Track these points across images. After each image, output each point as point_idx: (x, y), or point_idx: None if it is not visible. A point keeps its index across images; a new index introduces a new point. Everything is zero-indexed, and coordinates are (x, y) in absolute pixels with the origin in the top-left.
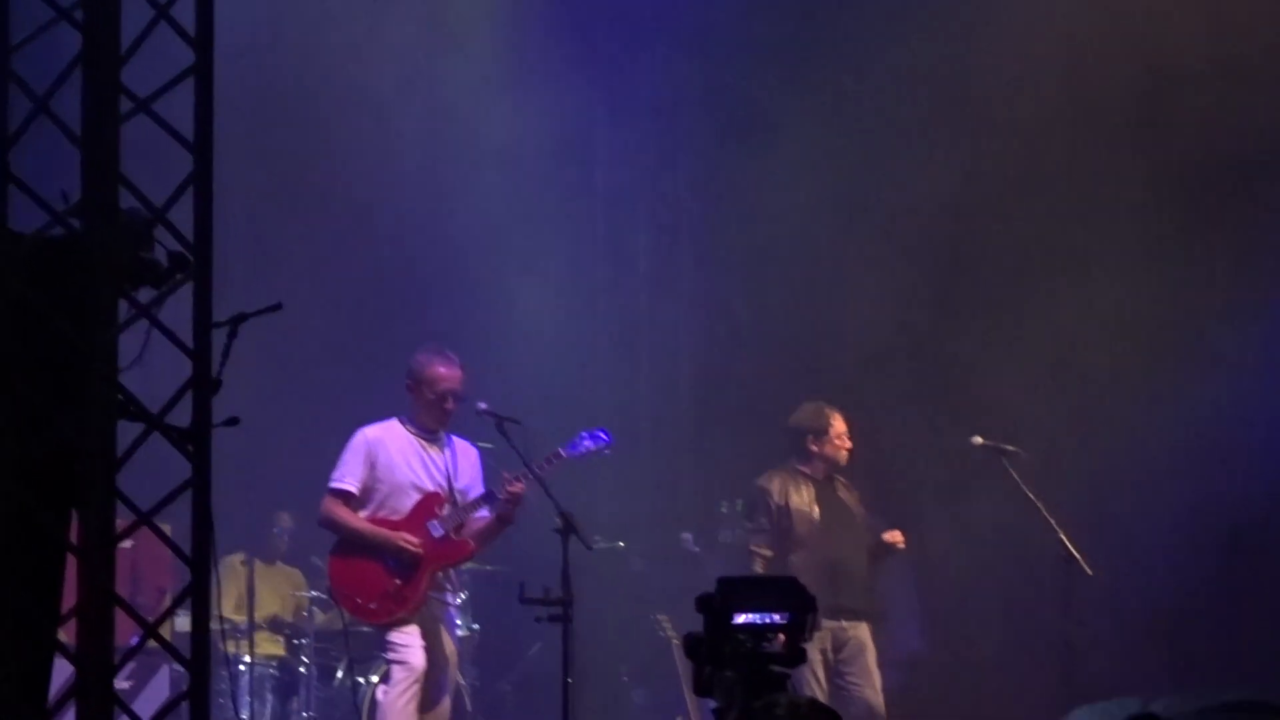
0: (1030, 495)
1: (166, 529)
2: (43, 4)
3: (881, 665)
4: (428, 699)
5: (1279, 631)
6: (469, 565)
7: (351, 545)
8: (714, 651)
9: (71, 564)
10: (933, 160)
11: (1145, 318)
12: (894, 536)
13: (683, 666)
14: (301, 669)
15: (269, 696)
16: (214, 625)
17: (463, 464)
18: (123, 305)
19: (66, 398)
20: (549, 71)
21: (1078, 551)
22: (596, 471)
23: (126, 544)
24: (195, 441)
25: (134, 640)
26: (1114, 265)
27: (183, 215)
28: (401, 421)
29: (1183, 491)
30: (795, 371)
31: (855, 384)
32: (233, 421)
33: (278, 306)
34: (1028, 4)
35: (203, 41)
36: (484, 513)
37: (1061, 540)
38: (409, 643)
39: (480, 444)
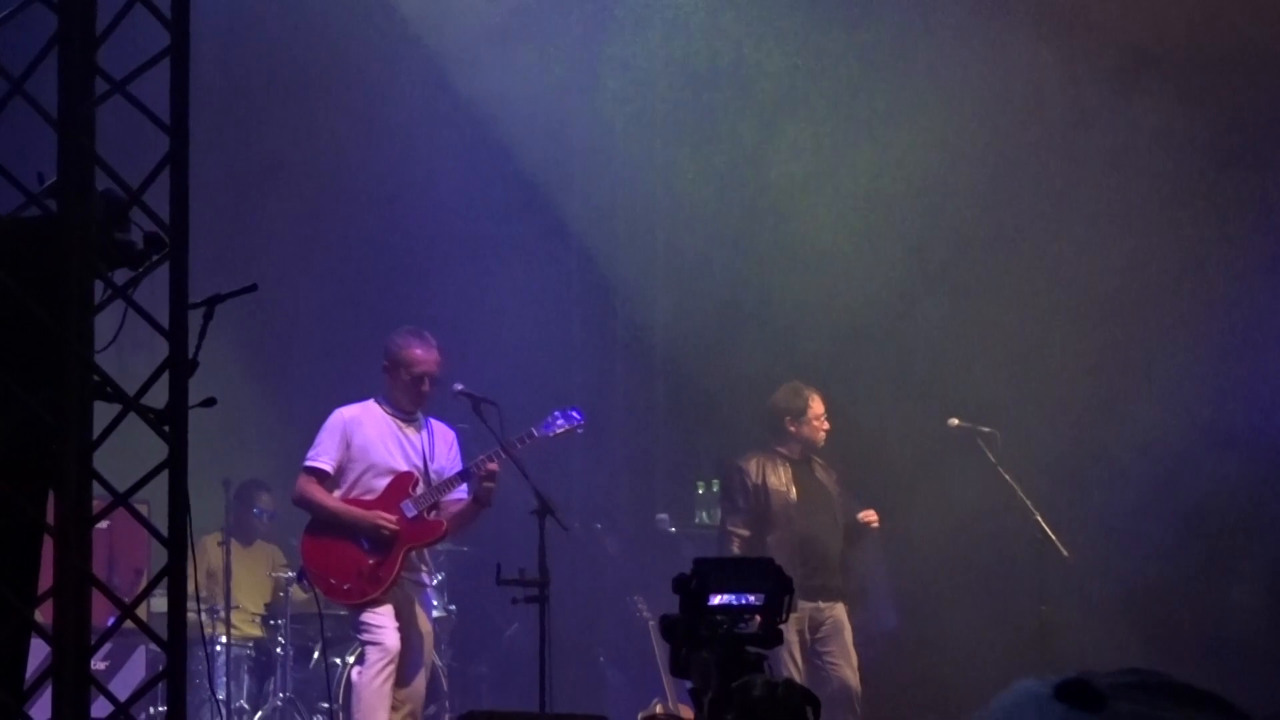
0: (1006, 476)
1: (143, 509)
2: None
3: (858, 644)
4: (403, 679)
5: (1251, 613)
6: (445, 547)
7: (325, 525)
8: (690, 633)
9: (48, 544)
10: (909, 142)
11: (1120, 299)
12: (868, 516)
13: (659, 648)
14: (278, 650)
15: (245, 677)
16: (190, 606)
17: (439, 445)
18: (99, 286)
19: (42, 379)
20: (525, 42)
21: (1053, 532)
22: (572, 453)
23: (103, 524)
24: (171, 422)
25: (110, 621)
26: (1090, 247)
27: (159, 197)
28: (378, 402)
29: (1157, 472)
30: (771, 352)
31: (831, 364)
32: (209, 402)
33: (253, 288)
34: None
35: (178, 23)
36: (459, 492)
37: (1037, 521)
38: (383, 623)
39: (456, 425)
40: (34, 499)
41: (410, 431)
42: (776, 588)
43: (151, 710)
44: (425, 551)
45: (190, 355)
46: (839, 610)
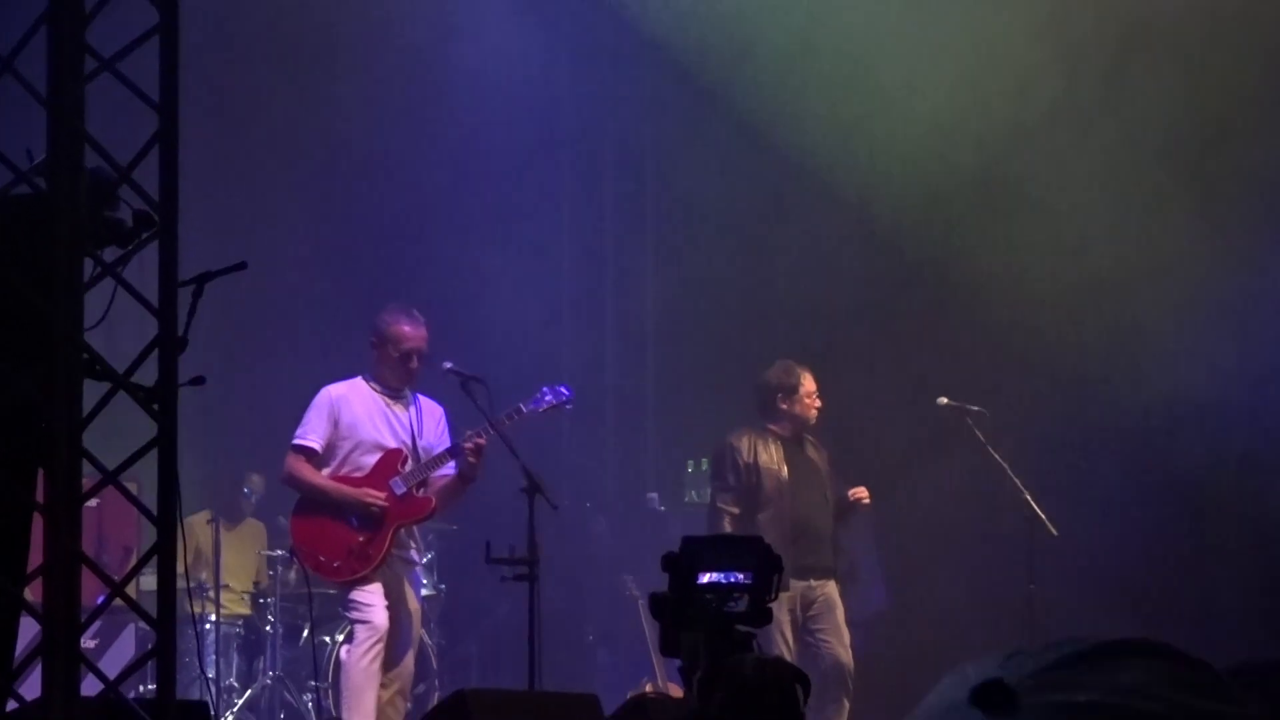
0: (995, 455)
1: (132, 488)
2: None
3: (847, 623)
4: (391, 658)
5: (1242, 591)
6: (434, 525)
7: (314, 503)
8: (679, 611)
9: (37, 523)
10: (900, 121)
11: (1109, 278)
12: (859, 492)
13: (649, 626)
14: (267, 628)
15: (234, 655)
16: (179, 584)
17: (428, 422)
18: (88, 264)
19: (31, 357)
20: (516, 20)
21: (1041, 511)
22: (561, 432)
23: (92, 503)
24: (161, 400)
25: (100, 599)
26: (1080, 226)
27: (148, 174)
28: (366, 380)
29: (1146, 450)
30: (761, 330)
31: (822, 343)
32: (199, 381)
33: (243, 265)
34: None
35: (167, 0)
36: (448, 469)
37: (1026, 500)
38: (372, 602)
39: (441, 403)
40: (23, 478)
41: (398, 409)
42: (765, 566)
43: (141, 688)
44: (414, 529)
45: (180, 333)
46: (830, 588)
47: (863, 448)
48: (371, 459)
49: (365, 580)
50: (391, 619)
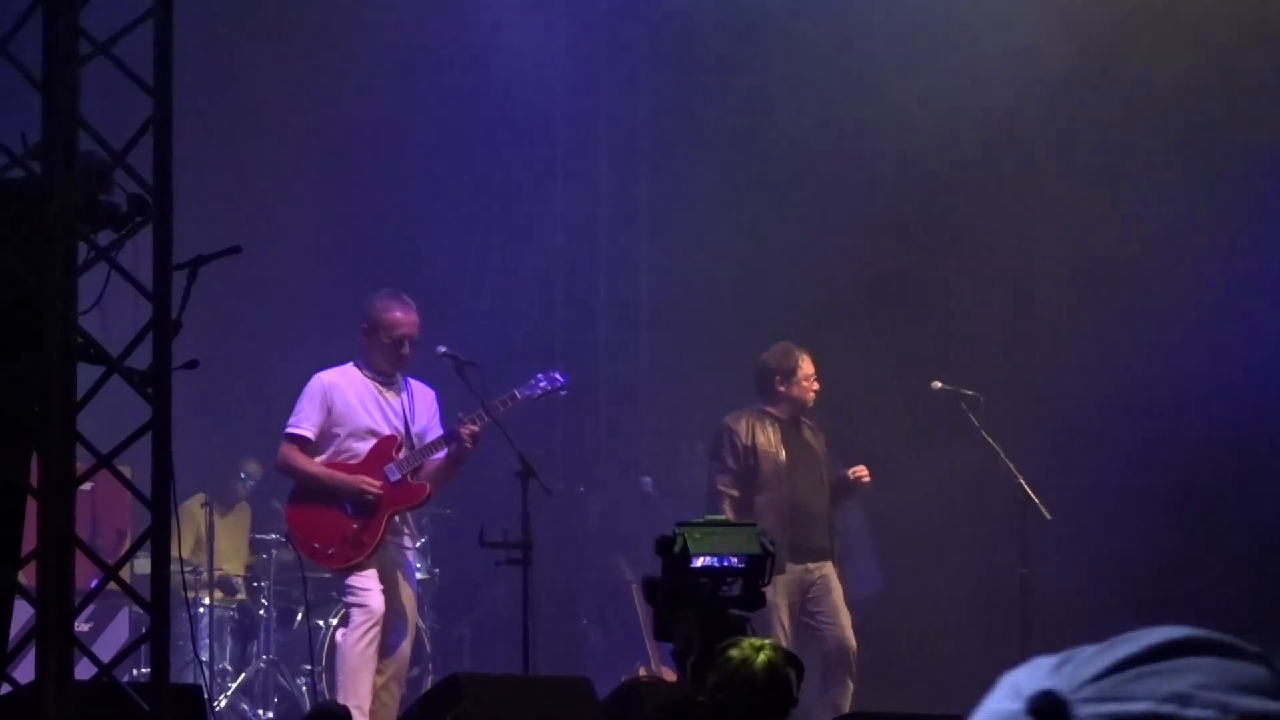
0: (989, 439)
1: (126, 471)
2: None
3: (847, 604)
4: (386, 642)
5: (1236, 575)
6: (428, 509)
7: (308, 491)
8: (672, 595)
9: (31, 506)
10: (898, 104)
11: (1108, 262)
12: (859, 471)
13: (642, 610)
14: (261, 612)
15: (228, 639)
16: (173, 568)
17: (420, 407)
18: (82, 248)
19: (25, 340)
20: (511, 2)
21: (1035, 496)
22: (555, 416)
23: (86, 486)
24: (155, 384)
25: (94, 583)
26: (1079, 211)
27: (142, 158)
28: (358, 366)
29: (1142, 435)
30: (754, 314)
31: (817, 327)
32: (192, 364)
33: (237, 249)
34: None
35: None
36: (442, 455)
37: (1020, 484)
38: (368, 586)
39: (434, 386)
40: (17, 461)
41: (390, 395)
42: (759, 550)
43: (135, 672)
44: (408, 515)
45: (174, 317)
46: (828, 569)
47: (857, 431)
48: (365, 445)
49: (360, 566)
50: (386, 604)
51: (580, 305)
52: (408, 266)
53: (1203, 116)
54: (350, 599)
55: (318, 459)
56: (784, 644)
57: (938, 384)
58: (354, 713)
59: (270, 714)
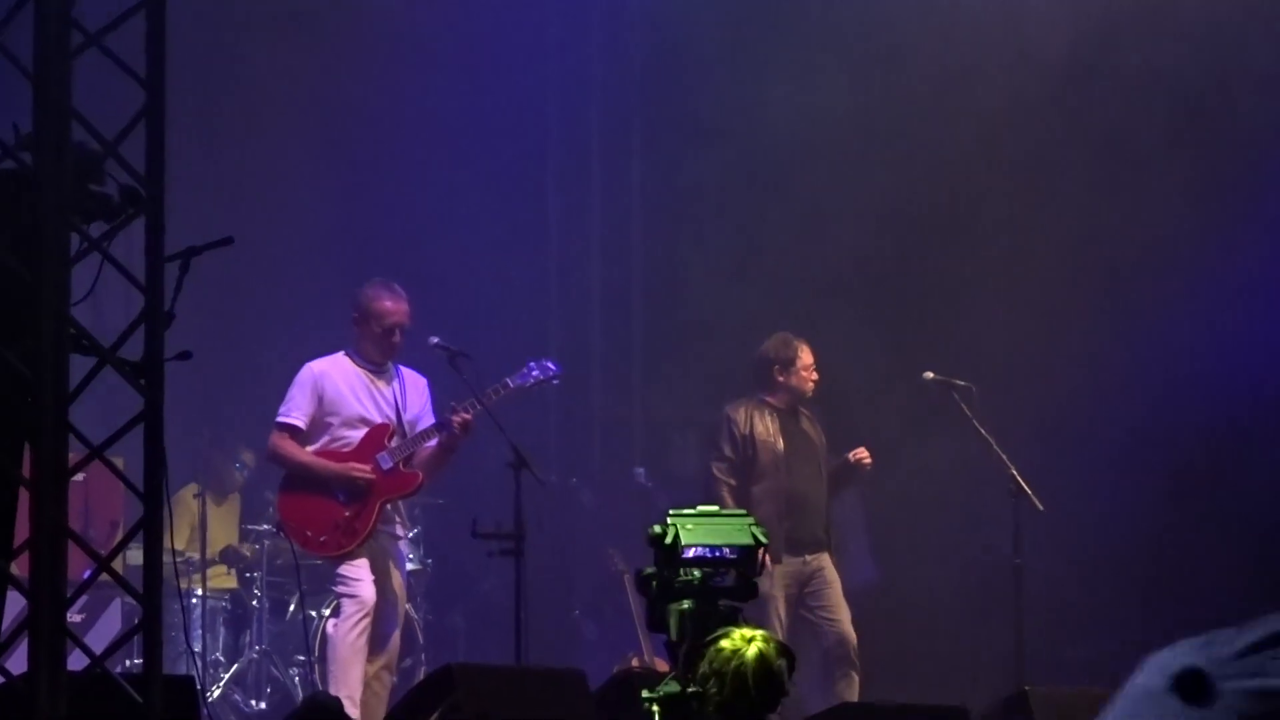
0: (981, 430)
1: (119, 463)
2: None
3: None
4: (378, 632)
5: (1228, 565)
6: (421, 500)
7: (300, 479)
8: (664, 586)
9: (23, 497)
10: (895, 94)
11: (1100, 254)
12: (860, 453)
13: (635, 601)
14: (254, 602)
15: (221, 630)
16: (166, 559)
17: (411, 395)
18: (75, 239)
19: (18, 331)
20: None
21: (1028, 486)
22: (548, 406)
23: (79, 477)
24: (148, 375)
25: (87, 573)
26: (1072, 201)
27: (134, 149)
28: (348, 355)
29: (1133, 426)
30: (748, 304)
31: (811, 318)
32: (185, 355)
33: (229, 240)
34: None
35: None
36: (435, 443)
37: (1013, 475)
38: (359, 575)
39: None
40: (9, 452)
41: (381, 384)
42: (751, 541)
43: (128, 662)
44: (400, 504)
45: (166, 308)
46: (825, 562)
47: (850, 421)
48: (357, 434)
49: (351, 555)
50: (378, 593)
51: (573, 296)
52: (399, 256)
53: (1199, 109)
54: (341, 589)
55: (310, 448)
56: (780, 636)
57: (930, 375)
58: (345, 703)
59: (263, 704)
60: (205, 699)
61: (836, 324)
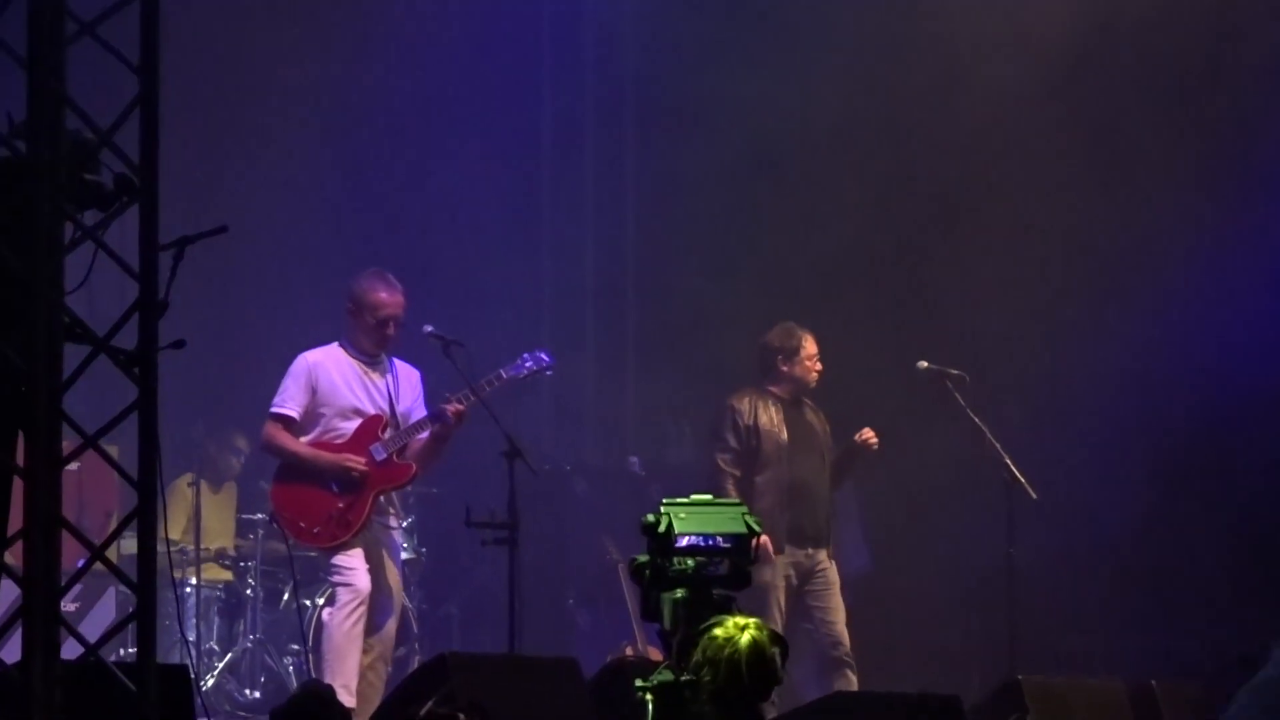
0: (975, 419)
1: (113, 451)
2: None
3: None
4: (372, 622)
5: (1219, 554)
6: (415, 489)
7: (294, 470)
8: (658, 575)
9: (17, 486)
10: (889, 83)
11: (1095, 244)
12: (866, 434)
13: (629, 590)
14: (248, 592)
15: (215, 619)
16: (160, 548)
17: (404, 387)
18: (68, 227)
19: (11, 320)
20: None
21: (1022, 476)
22: (542, 396)
23: (72, 467)
24: (141, 364)
25: (80, 563)
26: (1067, 191)
27: (129, 138)
28: (342, 346)
29: (1127, 415)
30: (743, 293)
31: (804, 307)
32: (179, 344)
33: (223, 229)
34: None
35: None
36: (428, 434)
37: (1006, 464)
38: (354, 565)
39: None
40: (3, 441)
41: (374, 375)
42: (745, 530)
43: (122, 651)
44: (394, 495)
45: (160, 297)
46: (827, 561)
47: (844, 411)
48: (351, 425)
49: (346, 546)
50: (372, 583)
51: (567, 285)
52: (394, 246)
53: (1197, 99)
54: (336, 578)
55: (304, 439)
56: (779, 625)
57: (924, 364)
58: (340, 692)
59: (257, 694)
60: (199, 688)
61: (831, 314)
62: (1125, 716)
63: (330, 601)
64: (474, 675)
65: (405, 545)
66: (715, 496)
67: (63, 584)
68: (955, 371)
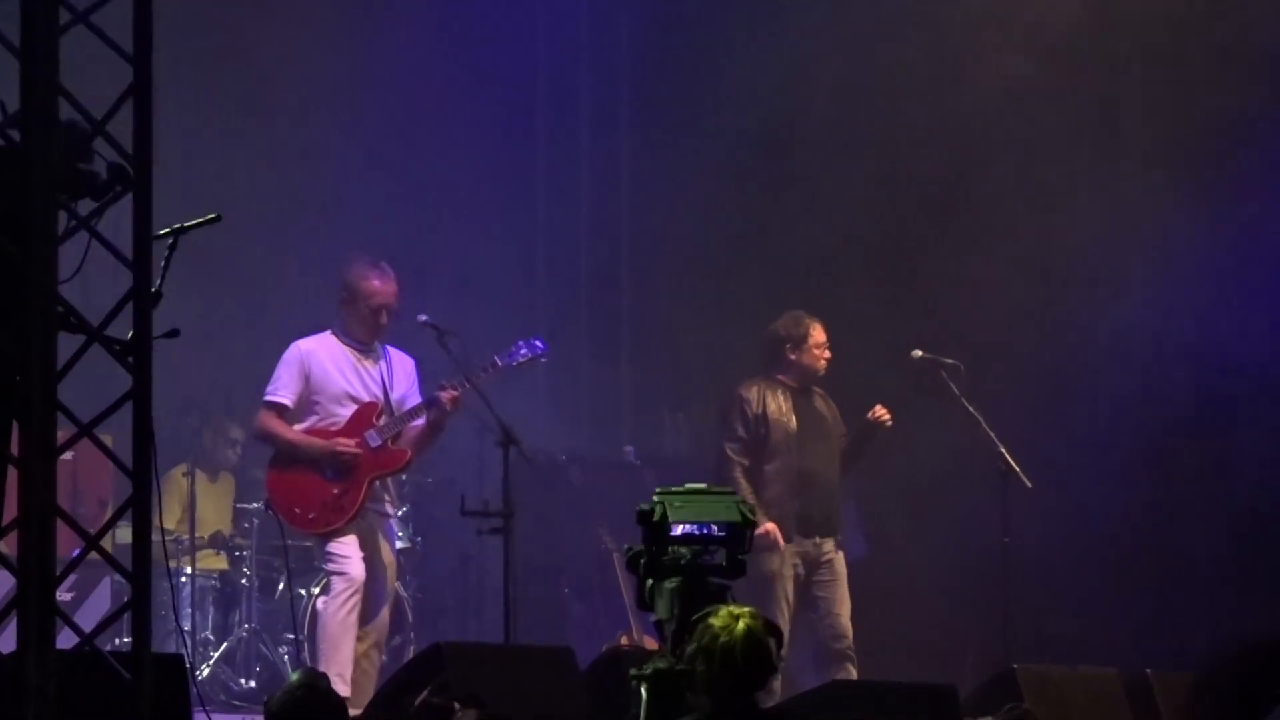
0: (970, 408)
1: (107, 441)
2: None
3: None
4: (367, 610)
5: (1213, 543)
6: (409, 478)
7: (288, 457)
8: (653, 564)
9: (11, 476)
10: (885, 72)
11: (1090, 229)
12: (878, 412)
13: (624, 579)
14: (243, 581)
15: (210, 608)
16: (155, 537)
17: (399, 374)
18: (62, 217)
19: (5, 310)
20: None
21: (1016, 464)
22: (536, 384)
23: (67, 456)
24: (136, 353)
25: (75, 552)
26: (1063, 176)
27: (122, 127)
28: (335, 334)
29: (1121, 404)
30: (738, 281)
31: (799, 293)
32: (173, 333)
33: (217, 218)
34: None
35: None
36: (422, 421)
37: (1001, 453)
38: (348, 553)
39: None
40: None
41: (368, 363)
42: (739, 519)
43: (117, 641)
44: (389, 482)
45: (154, 286)
46: (835, 552)
47: (840, 400)
48: (345, 412)
49: (340, 532)
50: (367, 571)
51: (561, 274)
52: (389, 235)
53: (1193, 83)
54: (331, 566)
55: (299, 427)
56: (786, 615)
57: (918, 352)
58: (335, 680)
59: (252, 683)
60: (194, 677)
61: (826, 304)
62: (1120, 705)
63: (325, 590)
64: (469, 665)
65: (400, 534)
66: (724, 486)
67: (58, 573)
68: (950, 360)
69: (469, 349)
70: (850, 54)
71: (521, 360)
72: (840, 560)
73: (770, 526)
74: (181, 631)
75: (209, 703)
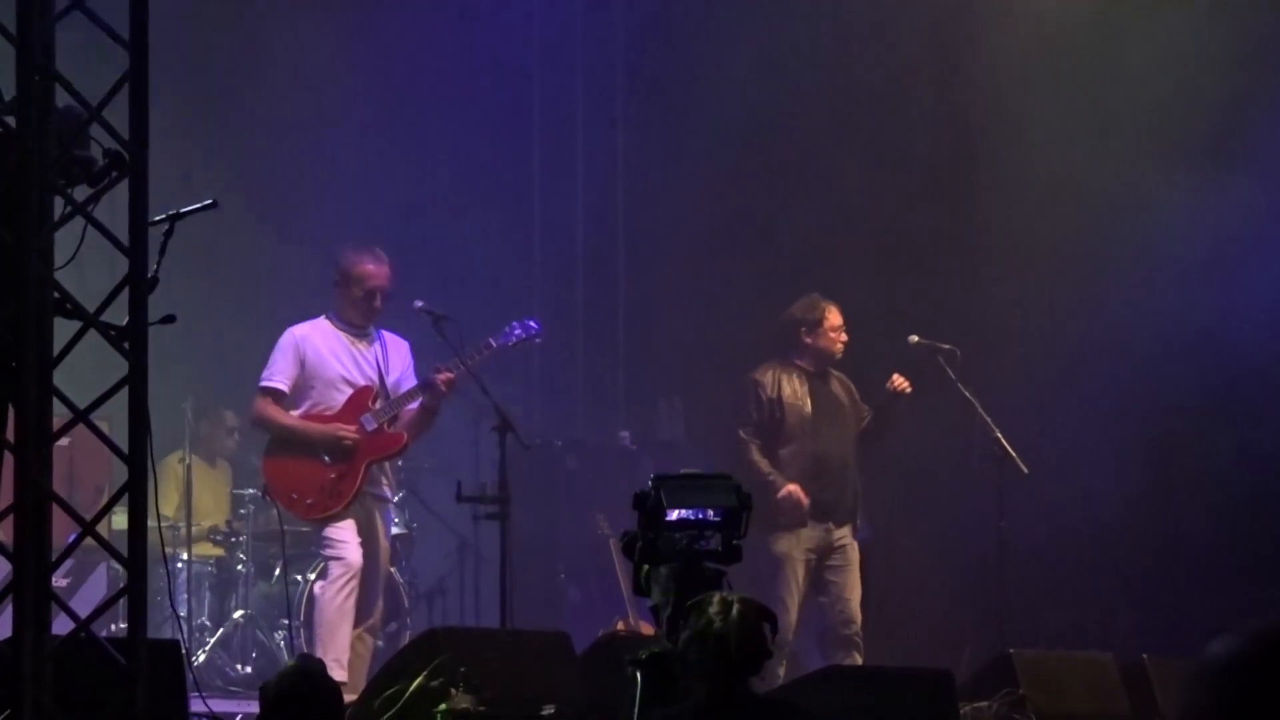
0: (966, 393)
1: (103, 426)
2: None
3: None
4: (362, 595)
5: (1209, 529)
6: (406, 463)
7: (285, 443)
8: (649, 549)
9: (8, 461)
10: (884, 54)
11: (1088, 220)
12: (897, 381)
13: (620, 564)
14: (240, 567)
15: (206, 594)
16: (151, 523)
17: (394, 358)
18: (58, 203)
19: (1, 295)
20: None
21: (1012, 450)
22: (532, 369)
23: (63, 442)
24: (131, 339)
25: (71, 538)
26: (1064, 163)
27: (118, 113)
28: (329, 318)
29: (1118, 390)
30: (733, 267)
31: (795, 279)
32: (169, 319)
33: (213, 204)
34: None
35: None
36: (418, 404)
37: (997, 438)
38: (345, 539)
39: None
40: None
41: (362, 346)
42: (735, 503)
43: (113, 627)
44: (387, 466)
45: (150, 272)
46: (850, 539)
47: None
48: (341, 396)
49: (338, 517)
50: (364, 556)
51: (557, 260)
52: (383, 219)
53: (1195, 71)
54: (328, 551)
55: (294, 412)
56: (795, 598)
57: (915, 338)
58: (332, 665)
59: (248, 669)
60: (190, 663)
61: (823, 289)
62: (1117, 691)
63: (322, 575)
64: (464, 649)
65: (396, 520)
66: (741, 470)
67: (54, 559)
68: (946, 346)
69: (465, 336)
70: (848, 40)
71: (516, 340)
72: (854, 547)
73: (793, 487)
74: (177, 617)
75: (205, 688)
